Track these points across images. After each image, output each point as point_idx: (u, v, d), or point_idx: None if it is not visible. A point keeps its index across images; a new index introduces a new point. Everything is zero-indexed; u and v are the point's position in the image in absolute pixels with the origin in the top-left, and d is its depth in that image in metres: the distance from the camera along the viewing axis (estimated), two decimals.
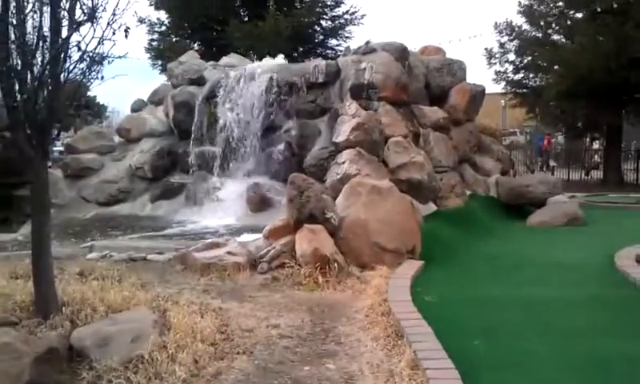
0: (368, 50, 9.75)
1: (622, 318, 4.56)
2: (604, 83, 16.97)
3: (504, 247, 7.54)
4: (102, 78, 4.02)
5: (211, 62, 11.49)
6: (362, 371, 3.57)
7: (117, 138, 11.37)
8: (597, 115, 19.45)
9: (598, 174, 22.22)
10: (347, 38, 21.16)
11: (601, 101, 18.34)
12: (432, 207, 8.42)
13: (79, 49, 3.85)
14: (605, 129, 21.70)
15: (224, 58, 12.00)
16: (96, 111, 38.15)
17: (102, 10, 3.78)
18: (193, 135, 10.09)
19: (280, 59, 11.21)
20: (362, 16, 20.81)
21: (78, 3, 3.76)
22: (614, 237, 7.74)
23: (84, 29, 3.80)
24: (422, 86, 10.31)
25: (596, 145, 27.59)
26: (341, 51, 17.26)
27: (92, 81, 4.03)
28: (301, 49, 19.95)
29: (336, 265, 5.55)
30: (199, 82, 10.67)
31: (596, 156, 25.28)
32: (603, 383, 3.38)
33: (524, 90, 22.75)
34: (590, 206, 11.81)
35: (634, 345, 3.88)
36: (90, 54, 3.87)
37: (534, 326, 4.32)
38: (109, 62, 4.02)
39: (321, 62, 10.03)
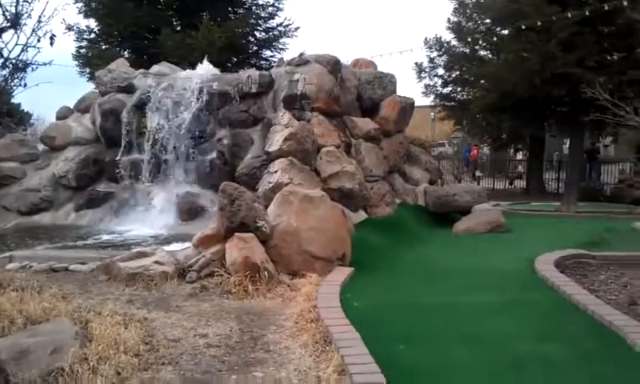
0: (301, 61, 9.83)
1: (540, 321, 4.75)
2: (528, 97, 17.67)
3: (431, 254, 7.75)
4: (25, 85, 3.92)
5: (141, 70, 11.22)
6: (289, 378, 3.57)
7: (41, 146, 10.92)
8: (520, 127, 20.33)
9: (521, 184, 23.21)
10: (281, 49, 21.30)
11: (524, 114, 19.10)
12: (363, 215, 8.57)
13: (1, 55, 3.72)
14: (528, 140, 22.69)
15: (155, 66, 11.75)
16: (19, 119, 36.45)
17: (27, 17, 3.68)
18: (122, 143, 9.84)
19: (208, 65, 11.06)
20: (296, 28, 20.99)
21: (0, 9, 3.63)
22: (534, 243, 8.06)
23: (7, 35, 3.68)
24: (354, 97, 10.48)
25: (520, 155, 28.85)
26: (275, 62, 17.30)
27: (15, 88, 3.91)
28: (235, 59, 19.82)
29: (266, 273, 5.52)
30: (129, 90, 10.40)
31: (519, 166, 26.46)
32: None
33: (452, 103, 23.53)
34: (512, 213, 12.28)
35: (551, 347, 4.05)
36: (13, 61, 3.74)
37: (457, 330, 4.44)
38: (33, 69, 3.91)
39: (254, 73, 10.04)
